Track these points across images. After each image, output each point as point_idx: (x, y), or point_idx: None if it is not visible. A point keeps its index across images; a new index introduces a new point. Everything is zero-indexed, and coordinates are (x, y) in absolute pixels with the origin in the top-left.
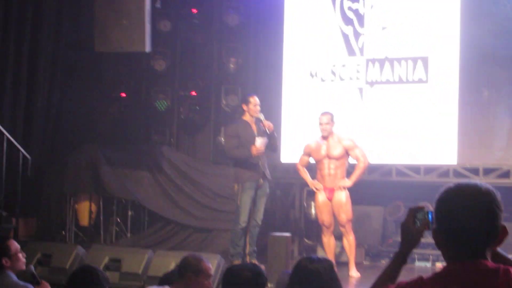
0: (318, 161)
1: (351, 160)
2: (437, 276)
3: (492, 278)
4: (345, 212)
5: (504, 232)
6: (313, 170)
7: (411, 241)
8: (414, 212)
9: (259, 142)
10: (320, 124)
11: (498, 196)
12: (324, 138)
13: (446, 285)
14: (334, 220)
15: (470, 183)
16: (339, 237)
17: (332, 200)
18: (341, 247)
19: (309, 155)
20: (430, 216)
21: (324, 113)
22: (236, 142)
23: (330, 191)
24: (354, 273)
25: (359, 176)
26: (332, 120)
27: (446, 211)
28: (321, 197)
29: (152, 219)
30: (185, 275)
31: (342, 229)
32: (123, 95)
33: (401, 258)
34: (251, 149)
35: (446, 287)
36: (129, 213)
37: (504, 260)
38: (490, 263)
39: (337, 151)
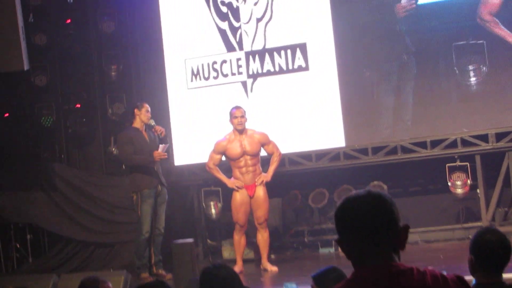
0: (235, 159)
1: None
2: (349, 283)
3: (407, 278)
4: (264, 209)
5: (406, 231)
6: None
7: None
8: None
9: (161, 148)
10: (235, 117)
11: (391, 198)
12: (238, 134)
13: None
14: (248, 219)
15: (363, 192)
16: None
17: (253, 197)
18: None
19: (221, 153)
20: None
21: (237, 107)
22: (132, 149)
23: (251, 188)
24: (270, 267)
25: (276, 169)
26: (245, 114)
27: (345, 224)
28: (239, 196)
29: (53, 240)
30: None
31: (258, 225)
32: (7, 115)
33: None
34: (151, 155)
35: None
36: (28, 236)
37: None
38: (402, 264)
39: (254, 146)
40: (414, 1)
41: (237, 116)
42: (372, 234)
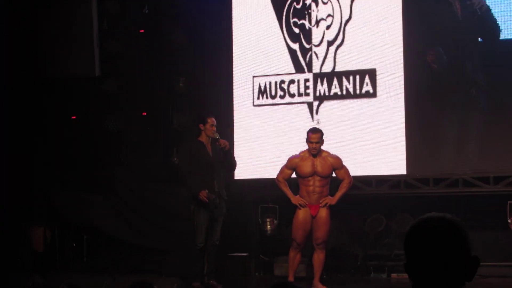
0: (304, 178)
1: None
2: None
3: None
4: (324, 231)
5: (476, 262)
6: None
7: None
8: None
9: (209, 195)
10: (310, 142)
11: (465, 226)
12: (312, 154)
13: None
14: (306, 239)
15: (437, 215)
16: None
17: (315, 217)
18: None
19: (292, 169)
20: None
21: (314, 131)
22: (190, 164)
23: (315, 209)
24: (321, 287)
25: (343, 195)
26: (322, 138)
27: (416, 245)
28: (302, 214)
29: (108, 242)
30: None
31: (315, 245)
32: (74, 117)
33: None
34: (200, 190)
35: None
36: (84, 237)
37: None
38: None
39: (325, 169)
40: None
41: (312, 142)
42: (444, 261)
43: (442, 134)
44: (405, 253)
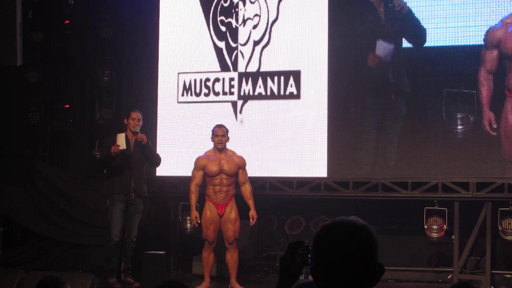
0: (211, 177)
1: None
2: None
3: None
4: (234, 230)
5: (381, 269)
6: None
7: (290, 276)
8: (293, 247)
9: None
10: (216, 136)
11: (374, 232)
12: (218, 152)
13: None
14: (217, 237)
15: (346, 219)
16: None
17: (223, 216)
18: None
19: (202, 169)
20: (310, 251)
21: (219, 126)
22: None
23: (222, 207)
24: (238, 287)
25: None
26: (227, 133)
27: (323, 248)
28: (209, 213)
29: (25, 235)
30: None
31: (228, 245)
32: None
33: None
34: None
35: None
36: (0, 229)
37: None
38: None
39: (232, 167)
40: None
41: (218, 135)
42: (350, 269)
43: (363, 138)
44: (313, 254)
